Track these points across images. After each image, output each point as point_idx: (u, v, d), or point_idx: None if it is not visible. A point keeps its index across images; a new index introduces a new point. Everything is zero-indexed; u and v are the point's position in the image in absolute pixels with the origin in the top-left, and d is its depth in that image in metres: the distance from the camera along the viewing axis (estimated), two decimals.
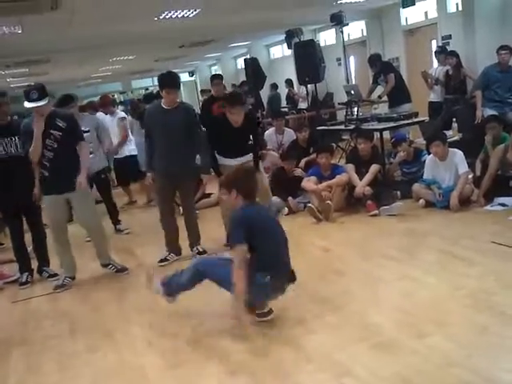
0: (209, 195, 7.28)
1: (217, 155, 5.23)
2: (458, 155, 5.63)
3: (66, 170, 4.73)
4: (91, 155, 6.10)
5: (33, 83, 4.91)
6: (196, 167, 5.28)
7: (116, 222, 6.66)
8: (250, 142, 5.34)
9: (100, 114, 7.72)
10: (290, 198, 6.41)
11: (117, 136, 7.48)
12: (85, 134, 6.08)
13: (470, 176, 5.77)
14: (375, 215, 5.74)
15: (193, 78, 21.49)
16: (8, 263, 5.30)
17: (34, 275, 5.18)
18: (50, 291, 4.85)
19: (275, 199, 6.06)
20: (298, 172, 6.66)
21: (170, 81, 4.98)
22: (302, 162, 6.93)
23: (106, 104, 7.83)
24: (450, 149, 5.74)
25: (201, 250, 5.23)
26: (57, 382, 3.25)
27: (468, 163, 5.68)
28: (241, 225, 3.46)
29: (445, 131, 6.62)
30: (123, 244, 6.01)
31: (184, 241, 5.28)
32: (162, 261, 5.11)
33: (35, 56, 10.99)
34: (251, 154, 5.28)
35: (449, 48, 8.67)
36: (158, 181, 5.16)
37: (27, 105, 4.57)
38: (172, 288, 3.80)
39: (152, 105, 5.43)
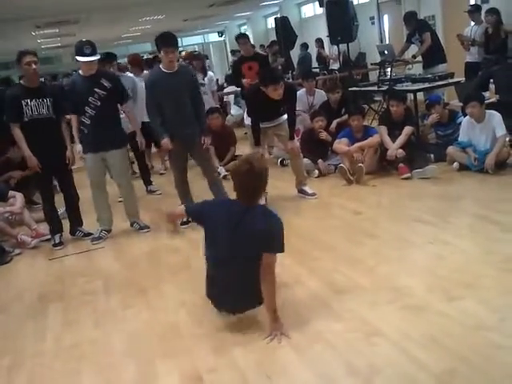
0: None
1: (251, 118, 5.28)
2: (496, 117, 5.46)
3: (105, 129, 4.81)
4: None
5: (83, 39, 4.82)
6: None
7: (148, 182, 6.72)
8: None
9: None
10: (320, 161, 6.36)
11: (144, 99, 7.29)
12: None
13: (507, 139, 5.61)
14: (408, 178, 5.65)
15: (222, 39, 21.22)
16: (44, 222, 5.42)
17: (65, 236, 5.27)
18: (85, 249, 4.97)
19: (306, 161, 6.03)
20: (324, 135, 6.54)
21: (167, 40, 4.77)
22: (334, 124, 6.82)
23: (136, 63, 7.09)
24: (488, 110, 5.57)
25: None
26: (93, 337, 3.34)
27: (505, 126, 5.51)
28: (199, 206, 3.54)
29: (482, 92, 6.42)
30: (155, 204, 6.09)
31: None
32: (183, 223, 5.03)
33: (65, 16, 11.02)
34: (285, 115, 5.34)
35: (488, 6, 8.33)
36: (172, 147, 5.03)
37: (82, 59, 4.60)
38: None
39: (151, 71, 5.25)
